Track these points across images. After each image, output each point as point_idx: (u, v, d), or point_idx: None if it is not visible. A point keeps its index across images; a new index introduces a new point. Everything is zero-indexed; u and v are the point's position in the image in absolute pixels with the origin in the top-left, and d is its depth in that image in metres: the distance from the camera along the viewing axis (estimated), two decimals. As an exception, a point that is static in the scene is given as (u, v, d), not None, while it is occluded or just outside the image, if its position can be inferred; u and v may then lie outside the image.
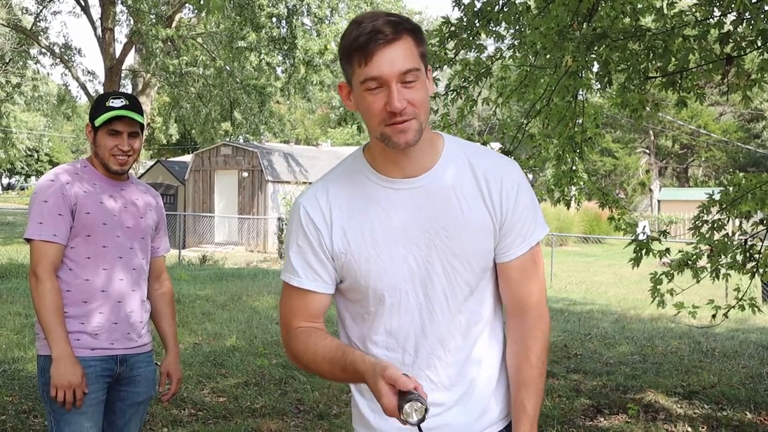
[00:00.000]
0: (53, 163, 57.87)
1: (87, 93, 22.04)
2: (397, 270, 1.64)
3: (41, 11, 22.14)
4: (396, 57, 1.49)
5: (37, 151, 53.08)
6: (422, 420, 1.37)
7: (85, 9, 21.61)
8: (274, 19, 19.71)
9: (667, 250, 5.10)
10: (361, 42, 1.49)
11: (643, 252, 5.05)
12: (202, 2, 4.18)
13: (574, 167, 5.46)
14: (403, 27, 1.51)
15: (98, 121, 2.54)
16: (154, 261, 2.81)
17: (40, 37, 21.66)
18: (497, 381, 1.75)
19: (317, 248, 1.65)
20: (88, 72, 23.00)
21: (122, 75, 22.13)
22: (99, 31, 21.02)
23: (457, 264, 1.65)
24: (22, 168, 56.00)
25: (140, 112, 2.59)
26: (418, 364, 1.68)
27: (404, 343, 1.68)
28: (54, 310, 2.45)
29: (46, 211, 2.48)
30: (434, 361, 1.68)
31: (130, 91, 24.92)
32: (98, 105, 2.59)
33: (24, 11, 23.27)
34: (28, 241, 2.51)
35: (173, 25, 20.42)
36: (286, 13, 19.72)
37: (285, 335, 1.71)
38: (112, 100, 2.57)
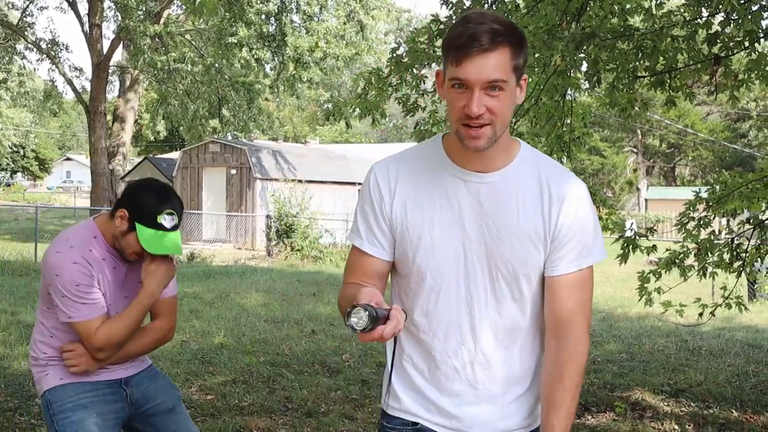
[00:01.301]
0: (39, 160, 57.51)
1: (74, 89, 21.90)
2: (443, 254, 1.70)
3: (28, 6, 22.00)
4: (485, 66, 1.54)
5: (24, 148, 52.73)
6: (365, 329, 1.43)
7: (73, 5, 21.47)
8: (263, 16, 19.65)
9: (654, 246, 5.13)
10: (458, 43, 1.56)
11: (630, 248, 5.08)
12: (196, 3, 4.10)
13: (562, 167, 5.47)
14: (503, 39, 1.55)
15: (142, 239, 2.35)
16: (156, 304, 2.55)
17: (26, 33, 21.51)
18: (526, 391, 1.78)
19: (379, 214, 1.74)
20: (75, 68, 22.90)
21: (110, 71, 22.00)
22: (86, 27, 20.88)
23: (501, 265, 1.69)
24: (8, 164, 55.58)
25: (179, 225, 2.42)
26: (447, 350, 1.73)
27: (436, 328, 1.73)
28: (130, 311, 2.41)
29: (83, 291, 2.33)
30: (463, 352, 1.72)
31: (117, 88, 24.87)
32: (149, 208, 2.36)
33: (10, 6, 23.09)
34: (71, 323, 2.34)
35: (161, 21, 20.32)
36: (275, 11, 19.67)
37: (341, 290, 1.79)
38: (165, 216, 2.36)
